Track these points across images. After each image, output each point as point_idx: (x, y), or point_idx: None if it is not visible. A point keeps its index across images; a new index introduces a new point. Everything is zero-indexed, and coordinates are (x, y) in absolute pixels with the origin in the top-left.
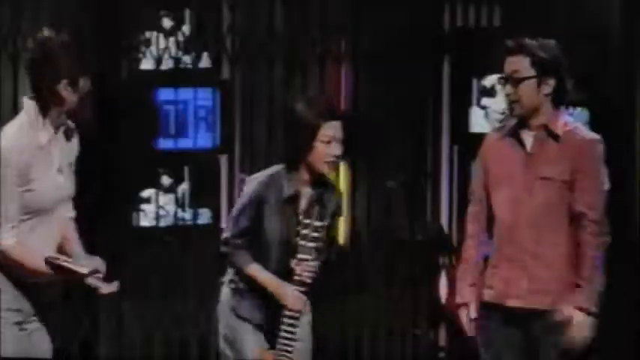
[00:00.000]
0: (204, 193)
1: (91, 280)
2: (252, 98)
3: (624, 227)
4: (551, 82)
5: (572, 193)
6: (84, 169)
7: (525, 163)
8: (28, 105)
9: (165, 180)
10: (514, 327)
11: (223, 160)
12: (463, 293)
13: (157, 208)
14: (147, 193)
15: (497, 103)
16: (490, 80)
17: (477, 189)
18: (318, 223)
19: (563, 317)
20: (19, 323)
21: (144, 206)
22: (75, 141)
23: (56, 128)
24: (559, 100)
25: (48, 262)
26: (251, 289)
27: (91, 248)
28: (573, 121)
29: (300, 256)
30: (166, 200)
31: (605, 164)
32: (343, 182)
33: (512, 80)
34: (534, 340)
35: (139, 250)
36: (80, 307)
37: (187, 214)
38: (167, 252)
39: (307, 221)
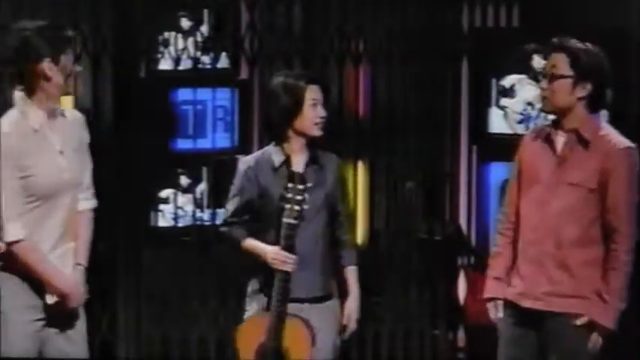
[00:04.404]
0: (222, 194)
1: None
2: None
3: None
4: (588, 86)
5: (603, 202)
6: (102, 170)
7: (554, 166)
8: (17, 95)
9: (184, 180)
10: (529, 327)
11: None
12: (488, 287)
13: (176, 208)
14: (165, 193)
15: (516, 104)
16: (509, 81)
17: (509, 199)
18: (300, 187)
19: (578, 325)
20: (38, 320)
21: (162, 206)
22: (78, 125)
23: (49, 112)
24: (595, 106)
25: None
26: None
27: (109, 248)
28: (608, 127)
29: (285, 220)
30: (185, 200)
31: None
32: (361, 182)
33: (549, 76)
34: (545, 343)
35: (157, 250)
36: (98, 307)
37: (206, 215)
38: (185, 252)
39: (290, 185)
